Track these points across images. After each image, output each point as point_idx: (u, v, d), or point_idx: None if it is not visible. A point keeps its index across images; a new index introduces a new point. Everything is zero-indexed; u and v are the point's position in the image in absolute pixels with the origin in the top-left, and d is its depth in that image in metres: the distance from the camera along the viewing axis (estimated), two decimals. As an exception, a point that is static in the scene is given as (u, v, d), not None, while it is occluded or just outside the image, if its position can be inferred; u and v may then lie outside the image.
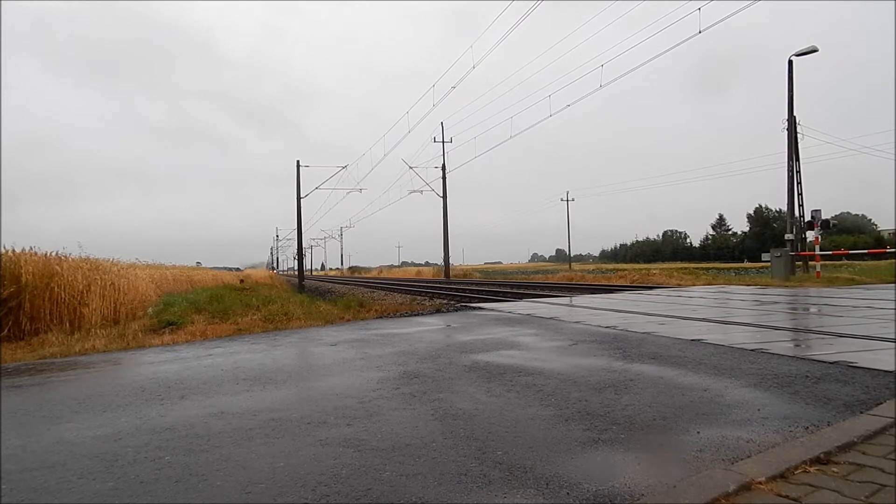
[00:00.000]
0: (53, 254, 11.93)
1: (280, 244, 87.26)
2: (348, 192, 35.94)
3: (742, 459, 2.22)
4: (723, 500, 1.84)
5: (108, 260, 14.13)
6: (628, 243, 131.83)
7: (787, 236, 17.90)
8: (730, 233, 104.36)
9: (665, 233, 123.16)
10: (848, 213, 79.42)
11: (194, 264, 42.00)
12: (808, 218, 17.42)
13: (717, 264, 65.23)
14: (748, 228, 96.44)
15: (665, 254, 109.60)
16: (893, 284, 13.29)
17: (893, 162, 49.96)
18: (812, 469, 2.07)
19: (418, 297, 15.31)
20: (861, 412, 2.79)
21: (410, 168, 33.78)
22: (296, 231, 30.44)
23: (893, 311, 7.29)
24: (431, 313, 9.21)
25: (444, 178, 33.29)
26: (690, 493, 1.90)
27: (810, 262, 17.36)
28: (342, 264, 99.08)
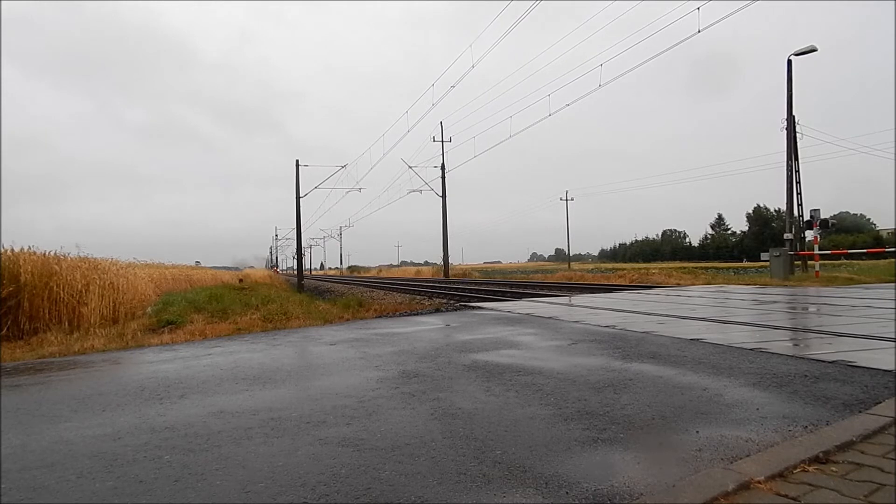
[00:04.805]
0: (52, 253, 11.94)
1: (279, 243, 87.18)
2: (347, 192, 35.95)
3: (741, 459, 2.23)
4: (722, 500, 1.84)
5: (107, 259, 14.14)
6: (627, 243, 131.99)
7: (787, 236, 17.90)
8: (729, 232, 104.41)
9: (664, 232, 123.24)
10: (847, 212, 79.56)
11: (193, 263, 42.04)
12: (807, 217, 17.43)
13: (716, 264, 65.29)
14: (747, 228, 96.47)
15: (664, 253, 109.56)
16: (892, 284, 13.31)
17: (893, 161, 50.00)
18: (811, 468, 2.08)
19: (417, 297, 15.31)
20: (860, 411, 2.79)
21: (410, 168, 33.80)
22: (295, 230, 30.41)
23: (892, 310, 7.30)
24: (431, 312, 9.21)
25: (443, 177, 33.30)
26: (689, 492, 1.90)
27: (809, 262, 17.38)
28: (341, 264, 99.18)
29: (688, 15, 24.87)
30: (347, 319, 8.74)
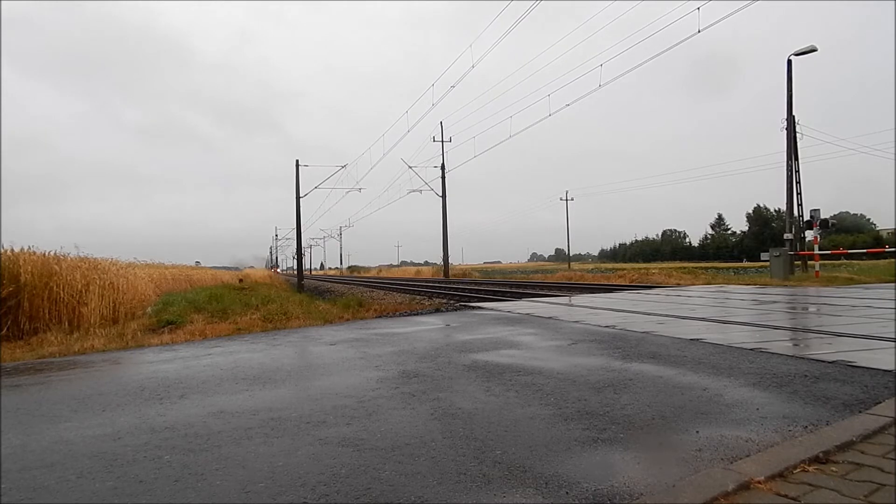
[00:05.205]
0: (52, 253, 11.94)
1: (279, 243, 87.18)
2: (347, 192, 35.96)
3: (741, 459, 2.23)
4: (722, 500, 1.84)
5: (107, 259, 14.14)
6: (627, 243, 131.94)
7: (787, 236, 17.90)
8: (729, 232, 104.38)
9: (664, 232, 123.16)
10: (847, 212, 79.54)
11: (193, 263, 42.10)
12: (807, 217, 17.43)
13: (716, 264, 65.30)
14: (747, 228, 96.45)
15: (664, 253, 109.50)
16: (892, 284, 13.31)
17: (893, 161, 50.03)
18: (811, 468, 2.08)
19: (417, 297, 15.30)
20: (860, 411, 2.79)
21: (410, 168, 33.80)
22: (295, 230, 30.42)
23: (892, 310, 7.30)
24: (431, 312, 9.21)
25: (443, 177, 33.30)
26: (689, 492, 1.90)
27: (809, 262, 17.38)
28: (341, 264, 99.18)
29: (688, 15, 24.88)
30: (347, 319, 8.74)
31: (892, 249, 23.15)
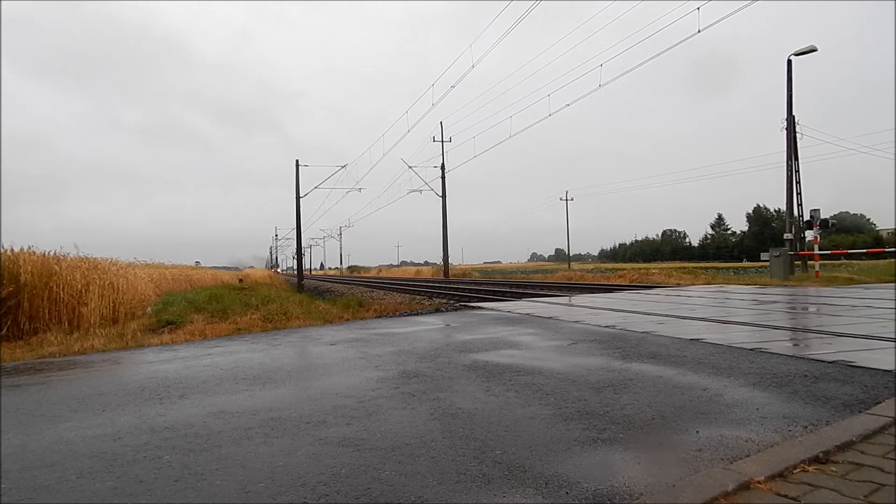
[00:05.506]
0: (52, 253, 11.93)
1: (279, 243, 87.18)
2: (347, 192, 35.96)
3: (741, 459, 2.23)
4: (722, 500, 1.84)
5: (107, 259, 14.13)
6: (627, 243, 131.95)
7: (786, 236, 17.90)
8: (729, 232, 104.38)
9: (664, 232, 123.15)
10: (847, 212, 79.55)
11: (193, 263, 42.13)
12: (806, 217, 17.43)
13: (716, 264, 65.31)
14: (747, 228, 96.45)
15: (664, 253, 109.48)
16: (892, 284, 13.31)
17: (893, 161, 50.01)
18: (811, 468, 2.08)
19: (417, 297, 15.31)
20: (860, 411, 2.79)
21: (409, 168, 33.81)
22: (295, 230, 30.42)
23: (892, 310, 7.30)
24: (431, 312, 9.21)
25: (443, 177, 33.31)
26: (689, 492, 1.90)
27: (809, 262, 17.38)
28: (341, 264, 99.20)
29: (688, 15, 24.90)
30: (347, 319, 8.74)
31: (892, 249, 23.16)
